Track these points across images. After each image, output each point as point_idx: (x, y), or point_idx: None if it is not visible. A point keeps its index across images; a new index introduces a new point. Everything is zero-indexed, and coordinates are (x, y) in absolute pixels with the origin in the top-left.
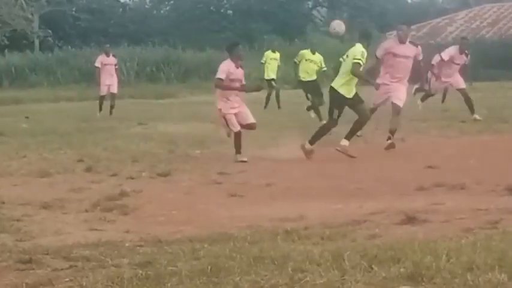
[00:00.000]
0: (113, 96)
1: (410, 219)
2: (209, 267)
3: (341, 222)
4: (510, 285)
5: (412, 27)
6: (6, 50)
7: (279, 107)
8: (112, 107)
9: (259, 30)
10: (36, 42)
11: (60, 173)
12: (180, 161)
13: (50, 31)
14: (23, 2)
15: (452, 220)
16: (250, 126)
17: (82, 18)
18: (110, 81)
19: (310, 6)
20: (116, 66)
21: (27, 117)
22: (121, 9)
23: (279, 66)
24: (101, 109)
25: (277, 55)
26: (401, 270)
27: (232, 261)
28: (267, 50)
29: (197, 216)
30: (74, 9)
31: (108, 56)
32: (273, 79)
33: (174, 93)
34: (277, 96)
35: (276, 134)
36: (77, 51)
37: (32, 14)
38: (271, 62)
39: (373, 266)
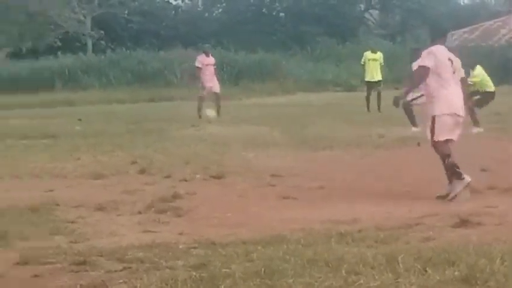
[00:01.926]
0: (217, 96)
1: (463, 222)
2: (263, 270)
3: (394, 225)
4: None
5: (465, 29)
6: (59, 52)
7: (379, 110)
8: (219, 107)
9: (311, 33)
10: (89, 44)
11: (113, 174)
12: (233, 164)
13: (102, 32)
14: (75, 4)
15: (506, 223)
16: None
17: (134, 21)
18: (211, 82)
19: (362, 8)
20: (215, 66)
21: (80, 120)
22: (173, 12)
23: (382, 66)
24: (200, 110)
25: (377, 55)
26: (456, 273)
27: (286, 264)
28: (366, 50)
29: (250, 219)
30: (126, 11)
31: (208, 56)
32: (378, 81)
33: (226, 95)
34: (379, 99)
35: (328, 136)
36: (129, 53)
37: (84, 16)
38: (371, 63)
39: (427, 268)
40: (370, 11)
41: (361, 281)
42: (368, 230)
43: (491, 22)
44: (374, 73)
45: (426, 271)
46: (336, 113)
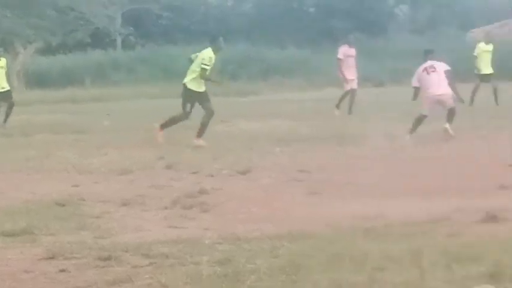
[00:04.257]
0: (353, 92)
1: (491, 218)
2: (288, 265)
3: (420, 220)
4: None
5: (496, 24)
6: (88, 48)
7: (497, 104)
8: (352, 103)
9: (341, 28)
10: (119, 40)
11: (140, 170)
12: (260, 159)
13: (132, 29)
14: (106, 0)
15: None
16: None
17: (164, 16)
18: (352, 76)
19: (392, 3)
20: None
21: (108, 115)
22: (203, 7)
23: (492, 60)
24: (351, 106)
25: (490, 47)
26: (482, 269)
27: (311, 260)
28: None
29: (276, 214)
30: (156, 7)
31: (350, 47)
32: (490, 74)
33: (256, 90)
34: (495, 92)
35: (356, 131)
36: (158, 49)
37: (114, 12)
38: (484, 55)
39: (452, 264)
40: (400, 6)
41: (386, 277)
42: (394, 225)
43: None
44: (486, 65)
45: (451, 267)
46: (365, 108)
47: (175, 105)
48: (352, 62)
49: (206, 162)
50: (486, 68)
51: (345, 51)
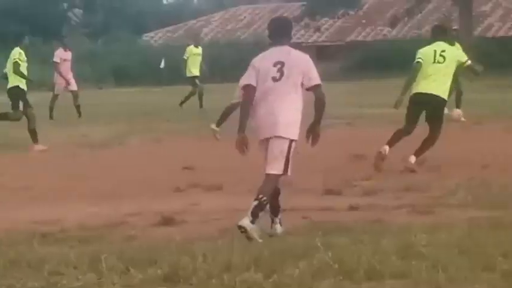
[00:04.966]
0: (76, 94)
1: (167, 221)
2: None
3: (98, 224)
4: (266, 284)
5: (169, 28)
6: None
7: (201, 106)
8: (78, 106)
9: (15, 32)
10: None
11: None
12: None
13: None
14: None
15: (209, 221)
16: None
17: None
18: (70, 78)
19: (65, 7)
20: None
21: None
22: None
23: (200, 63)
24: (52, 111)
25: (199, 50)
26: (158, 271)
27: None
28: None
29: None
30: None
31: (66, 50)
32: (196, 76)
33: None
34: (201, 95)
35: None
36: None
37: None
38: (194, 58)
39: (129, 268)
40: (74, 10)
41: (64, 282)
42: (71, 230)
43: (194, 21)
44: (195, 68)
45: (129, 270)
46: (41, 113)
47: None
48: (68, 65)
49: None
50: (196, 70)
51: (61, 55)
